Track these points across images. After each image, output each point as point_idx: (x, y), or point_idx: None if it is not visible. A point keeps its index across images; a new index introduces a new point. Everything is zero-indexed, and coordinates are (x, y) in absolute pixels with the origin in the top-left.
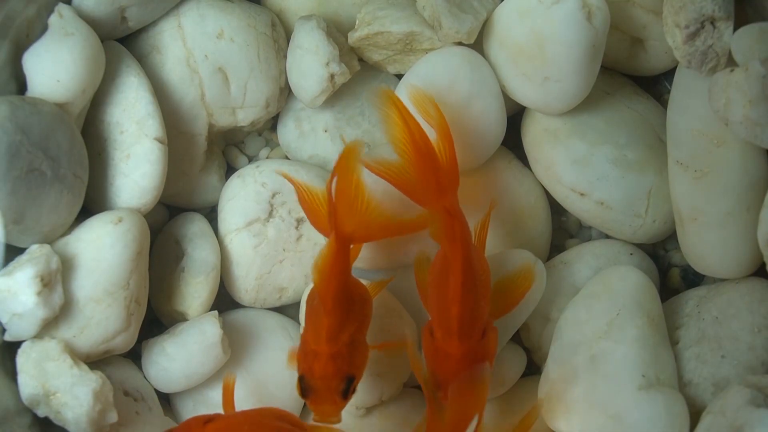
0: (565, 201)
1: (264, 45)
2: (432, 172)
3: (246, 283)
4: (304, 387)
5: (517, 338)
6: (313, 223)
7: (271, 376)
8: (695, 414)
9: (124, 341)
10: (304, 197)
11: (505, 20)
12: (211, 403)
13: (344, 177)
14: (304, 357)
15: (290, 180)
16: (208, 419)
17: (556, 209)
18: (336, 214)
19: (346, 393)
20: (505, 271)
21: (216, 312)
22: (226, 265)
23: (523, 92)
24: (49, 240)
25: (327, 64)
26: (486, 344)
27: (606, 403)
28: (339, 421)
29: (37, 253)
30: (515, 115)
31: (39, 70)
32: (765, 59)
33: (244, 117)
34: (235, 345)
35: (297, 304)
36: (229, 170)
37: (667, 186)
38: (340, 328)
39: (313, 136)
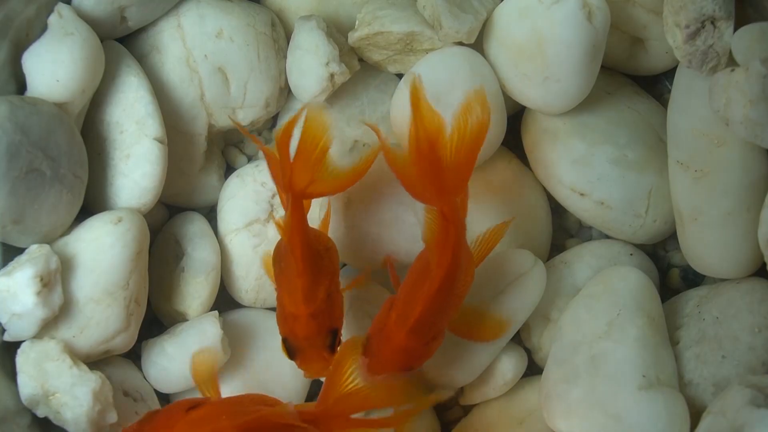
0: (565, 201)
1: (264, 45)
2: (432, 173)
3: (246, 283)
4: (289, 349)
5: (517, 338)
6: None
7: (271, 376)
8: (695, 414)
9: (124, 341)
10: (271, 160)
11: (506, 20)
12: None
13: (305, 135)
14: (284, 320)
15: (256, 142)
16: (192, 405)
17: (556, 209)
18: (290, 171)
19: (333, 346)
20: (489, 307)
21: (216, 312)
22: (226, 265)
23: (523, 92)
24: (49, 240)
25: (327, 63)
26: (428, 349)
27: (606, 403)
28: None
29: (36, 253)
30: (515, 115)
31: (38, 70)
32: (765, 59)
33: (244, 117)
34: (235, 345)
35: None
36: (229, 170)
37: (667, 186)
38: (314, 286)
39: None
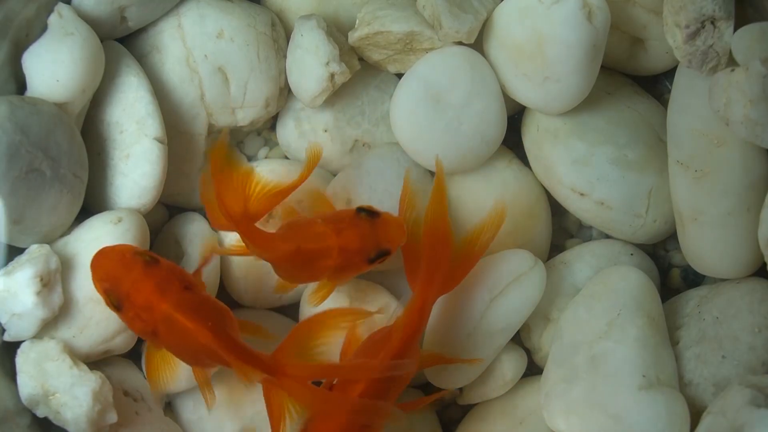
0: (565, 201)
1: (264, 45)
2: (432, 265)
3: (246, 284)
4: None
5: (517, 339)
6: (215, 225)
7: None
8: (696, 414)
9: (124, 341)
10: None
11: (506, 20)
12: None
13: (218, 171)
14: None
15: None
16: (185, 284)
17: (556, 209)
18: (224, 204)
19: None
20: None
21: None
22: (226, 265)
23: (523, 92)
24: (49, 240)
25: (327, 63)
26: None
27: (606, 403)
28: None
29: (36, 253)
30: (515, 115)
31: (38, 70)
32: (765, 59)
33: (244, 117)
34: None
35: (297, 305)
36: None
37: (667, 186)
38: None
39: (313, 136)
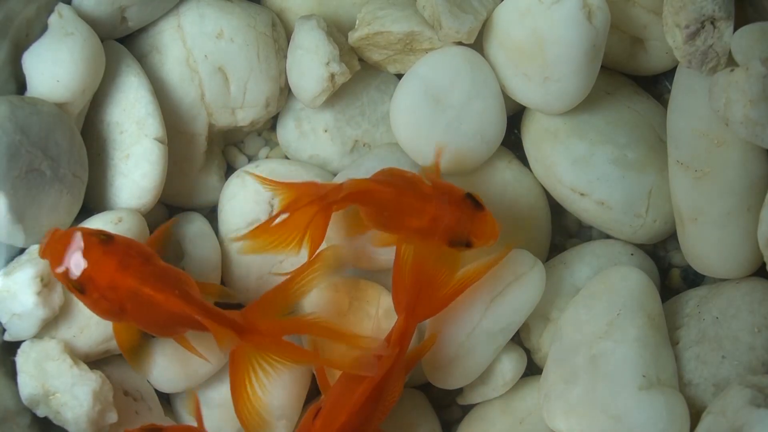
0: (565, 201)
1: (264, 45)
2: (402, 294)
3: (247, 284)
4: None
5: (517, 339)
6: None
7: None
8: (695, 414)
9: None
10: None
11: (505, 20)
12: (212, 403)
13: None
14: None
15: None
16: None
17: (556, 209)
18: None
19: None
20: None
21: None
22: (226, 265)
23: (523, 92)
24: None
25: (327, 63)
26: None
27: (606, 403)
28: None
29: (36, 253)
30: (515, 115)
31: (39, 70)
32: (765, 59)
33: (244, 117)
34: None
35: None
36: (229, 170)
37: (667, 186)
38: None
39: (313, 136)
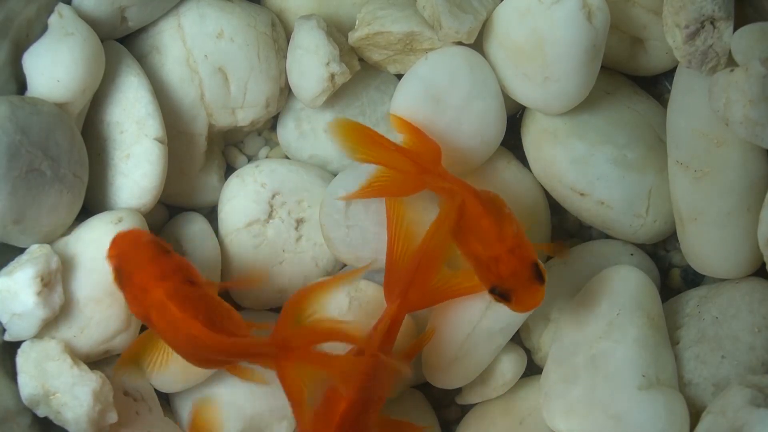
0: (565, 201)
1: (264, 45)
2: (394, 280)
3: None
4: (503, 293)
5: (517, 339)
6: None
7: (271, 376)
8: (695, 414)
9: (124, 341)
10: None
11: (505, 20)
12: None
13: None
14: (487, 270)
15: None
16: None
17: (556, 209)
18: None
19: (540, 276)
20: None
21: None
22: (226, 265)
23: (523, 92)
24: (49, 240)
25: (327, 63)
26: None
27: (606, 403)
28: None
29: (37, 253)
30: (515, 115)
31: (39, 70)
32: (765, 59)
33: (244, 117)
34: None
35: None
36: (229, 170)
37: (667, 186)
38: (500, 224)
39: (313, 136)
